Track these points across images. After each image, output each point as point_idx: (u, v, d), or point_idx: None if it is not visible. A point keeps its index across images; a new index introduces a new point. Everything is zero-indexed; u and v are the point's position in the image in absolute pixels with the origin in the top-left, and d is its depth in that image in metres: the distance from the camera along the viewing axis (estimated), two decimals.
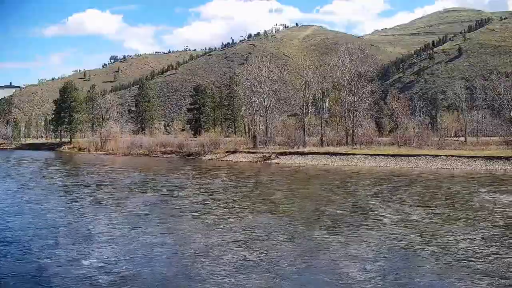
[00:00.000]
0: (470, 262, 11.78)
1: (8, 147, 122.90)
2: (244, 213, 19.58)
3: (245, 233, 15.53)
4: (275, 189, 28.54)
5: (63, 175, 40.20)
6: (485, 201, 21.86)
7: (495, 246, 13.50)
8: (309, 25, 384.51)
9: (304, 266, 11.80)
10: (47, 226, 16.91)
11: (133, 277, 11.02)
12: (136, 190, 28.18)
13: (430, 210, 19.53)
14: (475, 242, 13.94)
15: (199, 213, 19.43)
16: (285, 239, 14.60)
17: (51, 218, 18.53)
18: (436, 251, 12.90)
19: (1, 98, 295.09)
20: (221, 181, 33.18)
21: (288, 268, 11.67)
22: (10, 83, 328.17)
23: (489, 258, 12.21)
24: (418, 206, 20.73)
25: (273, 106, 67.00)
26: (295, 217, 18.58)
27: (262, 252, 13.00)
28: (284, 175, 39.25)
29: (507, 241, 14.08)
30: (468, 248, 13.17)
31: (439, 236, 14.80)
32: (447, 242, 13.92)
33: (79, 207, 21.69)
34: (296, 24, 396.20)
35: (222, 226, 16.85)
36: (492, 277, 10.68)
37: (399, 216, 18.02)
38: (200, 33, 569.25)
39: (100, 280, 10.79)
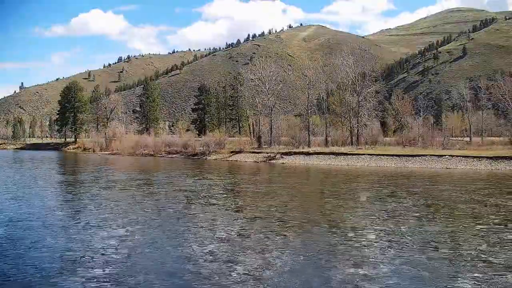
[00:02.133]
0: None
1: (7, 147, 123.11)
2: (209, 210, 20.01)
3: (197, 227, 16.24)
4: (260, 188, 28.66)
5: (62, 174, 40.53)
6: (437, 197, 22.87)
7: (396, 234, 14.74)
8: (313, 25, 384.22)
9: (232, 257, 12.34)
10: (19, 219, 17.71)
11: (83, 261, 11.96)
12: (122, 188, 28.73)
13: (383, 206, 20.30)
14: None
15: (162, 208, 20.30)
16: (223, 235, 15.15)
17: (29, 212, 19.27)
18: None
19: (7, 97, 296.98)
20: (213, 180, 33.45)
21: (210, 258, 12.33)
22: (22, 83, 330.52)
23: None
24: (380, 202, 21.76)
25: (277, 106, 67.15)
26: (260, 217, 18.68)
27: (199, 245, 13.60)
28: (283, 174, 39.39)
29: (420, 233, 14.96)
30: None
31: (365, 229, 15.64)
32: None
33: (60, 202, 23.06)
34: (301, 24, 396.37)
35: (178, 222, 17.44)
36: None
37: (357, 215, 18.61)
38: (203, 34, 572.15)
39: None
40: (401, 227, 15.77)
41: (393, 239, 14.03)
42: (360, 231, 15.23)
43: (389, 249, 12.89)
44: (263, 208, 20.40)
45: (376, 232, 15.14)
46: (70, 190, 28.10)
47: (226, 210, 20.14)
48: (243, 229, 15.88)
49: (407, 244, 13.32)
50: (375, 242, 13.83)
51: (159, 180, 33.83)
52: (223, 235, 15.00)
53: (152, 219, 17.78)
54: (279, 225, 16.64)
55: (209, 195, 24.99)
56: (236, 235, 14.96)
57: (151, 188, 28.72)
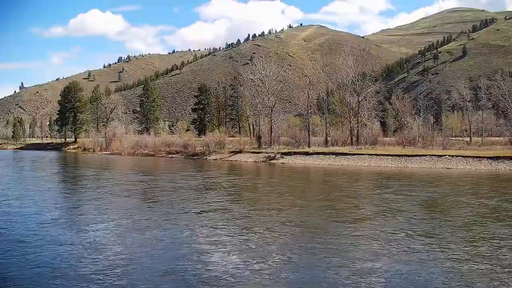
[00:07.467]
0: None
1: (7, 147, 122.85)
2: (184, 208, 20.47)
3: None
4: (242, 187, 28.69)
5: (59, 172, 40.60)
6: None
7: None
8: (313, 25, 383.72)
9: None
10: None
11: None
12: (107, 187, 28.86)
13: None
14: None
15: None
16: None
17: None
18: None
19: (7, 96, 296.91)
20: (213, 180, 33.43)
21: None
22: (22, 83, 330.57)
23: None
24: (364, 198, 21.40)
25: (277, 106, 67.02)
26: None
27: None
28: (283, 175, 39.38)
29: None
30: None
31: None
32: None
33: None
34: (301, 24, 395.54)
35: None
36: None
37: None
38: (203, 34, 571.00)
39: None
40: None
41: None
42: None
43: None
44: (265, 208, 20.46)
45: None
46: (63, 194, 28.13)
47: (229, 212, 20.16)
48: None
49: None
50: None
51: (166, 182, 33.84)
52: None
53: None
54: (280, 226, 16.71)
55: (208, 195, 25.02)
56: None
57: (156, 190, 28.70)
